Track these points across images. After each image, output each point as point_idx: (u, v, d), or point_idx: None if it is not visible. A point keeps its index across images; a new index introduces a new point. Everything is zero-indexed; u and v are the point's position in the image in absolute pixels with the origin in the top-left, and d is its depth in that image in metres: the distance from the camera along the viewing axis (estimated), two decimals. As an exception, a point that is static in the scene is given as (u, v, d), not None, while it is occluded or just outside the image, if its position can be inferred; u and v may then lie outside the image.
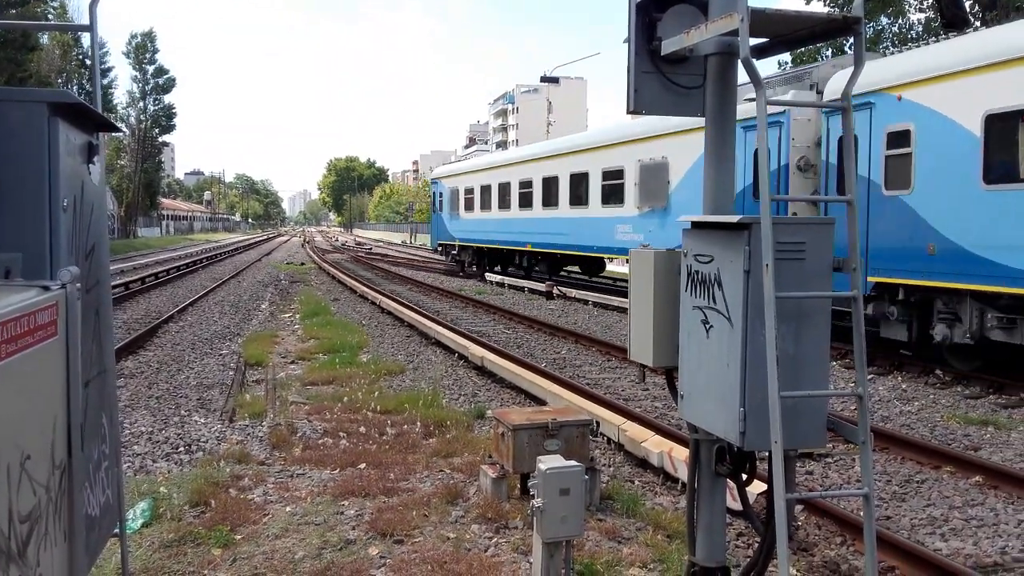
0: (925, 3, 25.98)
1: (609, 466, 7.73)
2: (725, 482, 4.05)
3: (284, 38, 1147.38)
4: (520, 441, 5.89)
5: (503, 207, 29.85)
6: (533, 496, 4.57)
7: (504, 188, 29.78)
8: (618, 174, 21.79)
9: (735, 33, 3.34)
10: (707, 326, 3.68)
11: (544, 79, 50.13)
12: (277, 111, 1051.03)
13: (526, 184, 27.93)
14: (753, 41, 3.95)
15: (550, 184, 26.21)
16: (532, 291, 26.03)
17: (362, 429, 8.69)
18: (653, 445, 7.65)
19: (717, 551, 4.08)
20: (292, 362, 13.37)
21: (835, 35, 3.56)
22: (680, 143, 18.67)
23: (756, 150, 16.44)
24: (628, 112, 4.52)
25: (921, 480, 7.62)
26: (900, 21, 26.62)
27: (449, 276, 34.54)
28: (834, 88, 13.71)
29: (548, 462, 4.56)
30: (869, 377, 12.42)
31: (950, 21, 22.56)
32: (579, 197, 24.11)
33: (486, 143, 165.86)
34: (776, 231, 3.35)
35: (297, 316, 19.60)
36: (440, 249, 38.74)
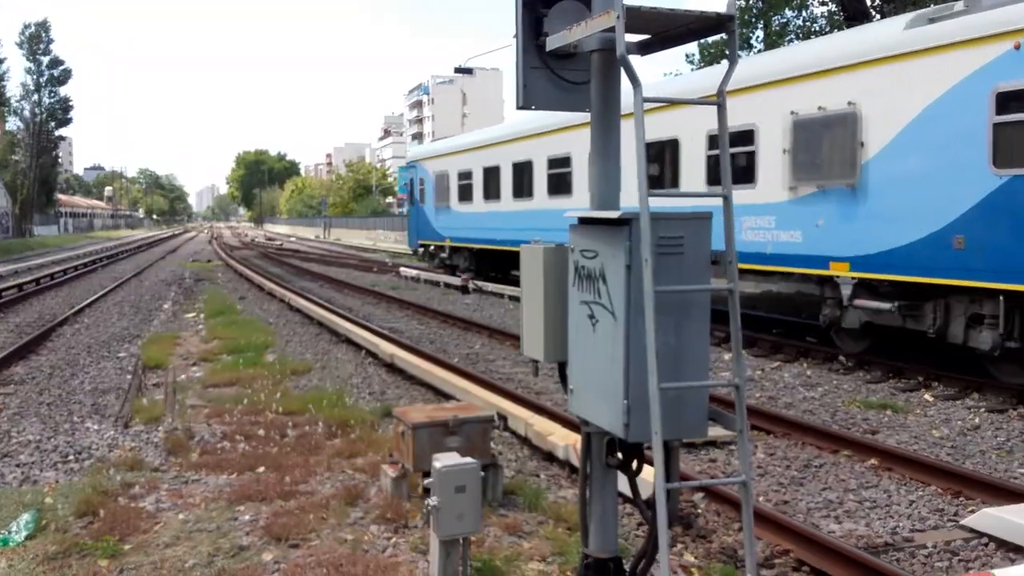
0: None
1: (515, 461, 7.75)
2: (616, 474, 4.09)
3: (189, 28, 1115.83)
4: (420, 439, 5.85)
5: (521, 194, 21.79)
6: (428, 494, 4.54)
7: (522, 169, 21.67)
8: (743, 138, 13.76)
9: (614, 30, 3.36)
10: (593, 321, 3.71)
11: (458, 70, 49.90)
12: (182, 103, 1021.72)
13: (559, 162, 19.76)
14: (636, 38, 4.01)
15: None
16: (448, 285, 25.95)
17: (262, 432, 8.51)
18: (559, 438, 7.70)
19: (610, 542, 4.12)
20: (194, 364, 13.01)
21: (710, 32, 3.61)
22: (892, 77, 11.35)
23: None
24: (518, 108, 4.52)
25: (820, 464, 7.86)
26: (804, 14, 27.39)
27: (363, 272, 34.13)
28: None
29: (444, 460, 4.53)
30: (776, 365, 12.79)
31: (851, 14, 23.39)
32: (659, 176, 16.59)
33: (401, 135, 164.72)
34: (656, 226, 3.39)
35: (201, 316, 19.09)
36: (421, 252, 30.52)
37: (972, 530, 6.13)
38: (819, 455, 8.13)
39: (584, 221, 3.82)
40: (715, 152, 14.65)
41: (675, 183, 15.69)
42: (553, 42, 3.95)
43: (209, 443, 8.22)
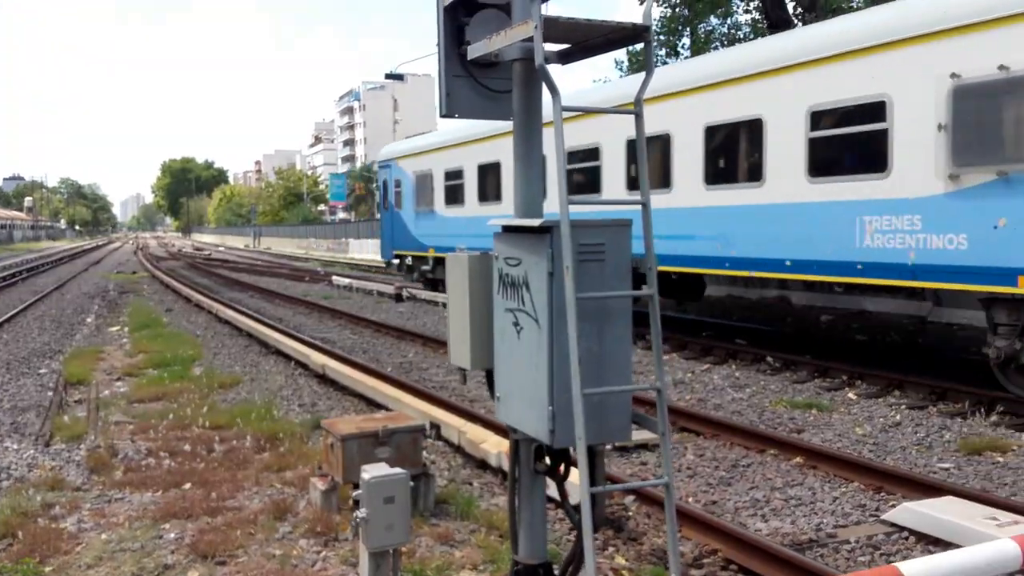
0: (751, 5, 27.43)
1: (448, 470, 7.73)
2: (544, 480, 4.11)
3: (113, 32, 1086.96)
4: (350, 451, 5.79)
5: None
6: (357, 506, 4.50)
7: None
8: (870, 113, 10.71)
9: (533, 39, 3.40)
10: (518, 328, 3.73)
11: (389, 76, 49.58)
12: (105, 110, 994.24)
13: (586, 154, 15.85)
14: (558, 47, 4.05)
15: (661, 149, 14.32)
16: (381, 293, 25.75)
17: (189, 447, 8.32)
18: (492, 446, 7.70)
19: (539, 548, 4.14)
20: (118, 379, 12.66)
21: (628, 43, 3.68)
22: None
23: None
24: (441, 117, 4.52)
25: (747, 464, 8.00)
26: (729, 22, 27.99)
27: (294, 281, 33.67)
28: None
29: (372, 471, 4.50)
30: (706, 367, 12.98)
31: (774, 22, 23.98)
32: (732, 169, 13.30)
33: (332, 141, 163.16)
34: (577, 233, 3.43)
35: (126, 329, 18.59)
36: (397, 264, 26.19)
37: (893, 524, 6.30)
38: (747, 455, 8.28)
39: (508, 229, 3.84)
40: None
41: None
42: (474, 51, 3.97)
43: (133, 460, 8.01)
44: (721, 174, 13.35)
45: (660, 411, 3.57)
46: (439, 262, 22.46)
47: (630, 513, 6.58)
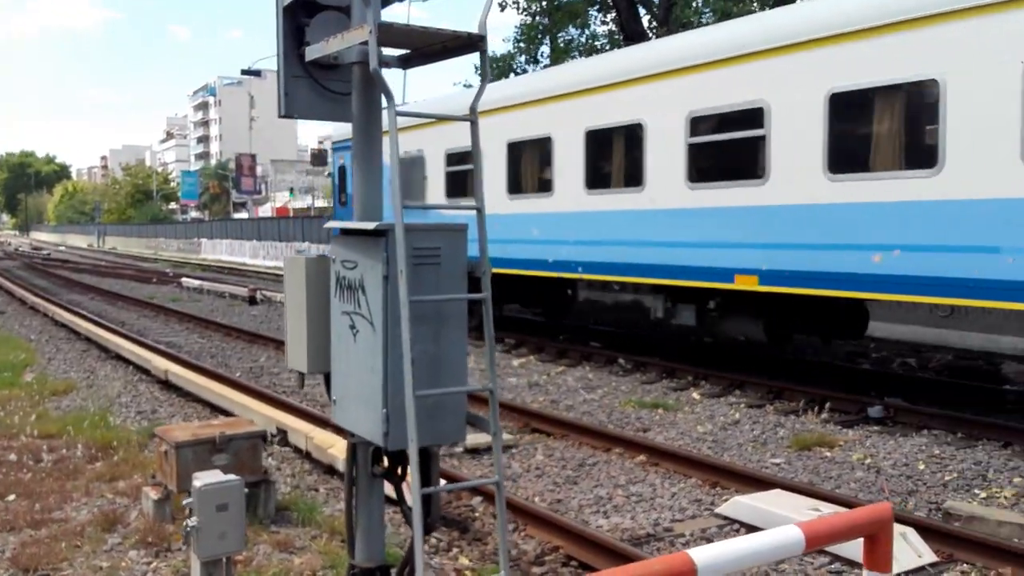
0: (608, 16, 28.20)
1: (293, 476, 7.60)
2: (382, 483, 4.12)
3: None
4: (184, 458, 5.60)
5: (600, 184, 12.95)
6: (189, 515, 4.37)
7: (602, 140, 12.86)
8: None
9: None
10: (354, 331, 3.72)
11: (246, 72, 48.14)
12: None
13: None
14: (398, 52, 4.07)
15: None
16: (234, 296, 24.96)
17: (14, 457, 7.83)
18: (339, 451, 7.60)
19: (376, 552, 4.14)
20: (-62, 387, 11.77)
21: (465, 51, 3.73)
22: None
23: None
24: (279, 117, 4.46)
25: (593, 463, 8.22)
26: (587, 32, 28.66)
27: (140, 283, 32.17)
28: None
29: (203, 478, 4.38)
30: (561, 369, 13.25)
31: (630, 35, 24.77)
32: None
33: (185, 137, 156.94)
34: (412, 237, 3.46)
35: (-51, 333, 17.30)
36: None
37: (726, 517, 6.63)
38: (593, 454, 8.51)
39: (345, 232, 3.83)
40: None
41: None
42: (311, 52, 3.94)
43: (-50, 473, 7.47)
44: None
45: (492, 412, 3.65)
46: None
47: (477, 514, 6.66)
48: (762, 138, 10.38)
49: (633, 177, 12.27)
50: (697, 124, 11.32)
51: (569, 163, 13.38)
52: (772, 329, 11.58)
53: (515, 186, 14.79)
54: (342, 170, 19.67)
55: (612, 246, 12.69)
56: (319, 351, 4.02)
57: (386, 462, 3.96)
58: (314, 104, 4.32)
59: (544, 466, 8.12)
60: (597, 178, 13.09)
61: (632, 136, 12.37)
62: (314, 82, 4.29)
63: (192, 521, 4.28)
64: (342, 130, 19.30)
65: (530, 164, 14.64)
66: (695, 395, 11.23)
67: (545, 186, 14.04)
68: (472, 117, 3.63)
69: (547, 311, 17.86)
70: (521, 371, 13.17)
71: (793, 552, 2.59)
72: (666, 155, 11.68)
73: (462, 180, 16.07)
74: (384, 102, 3.42)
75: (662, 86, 11.78)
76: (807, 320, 11.63)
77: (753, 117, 10.47)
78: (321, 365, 4.04)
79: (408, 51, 3.97)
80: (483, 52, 3.60)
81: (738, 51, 10.69)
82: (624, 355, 13.52)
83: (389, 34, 3.44)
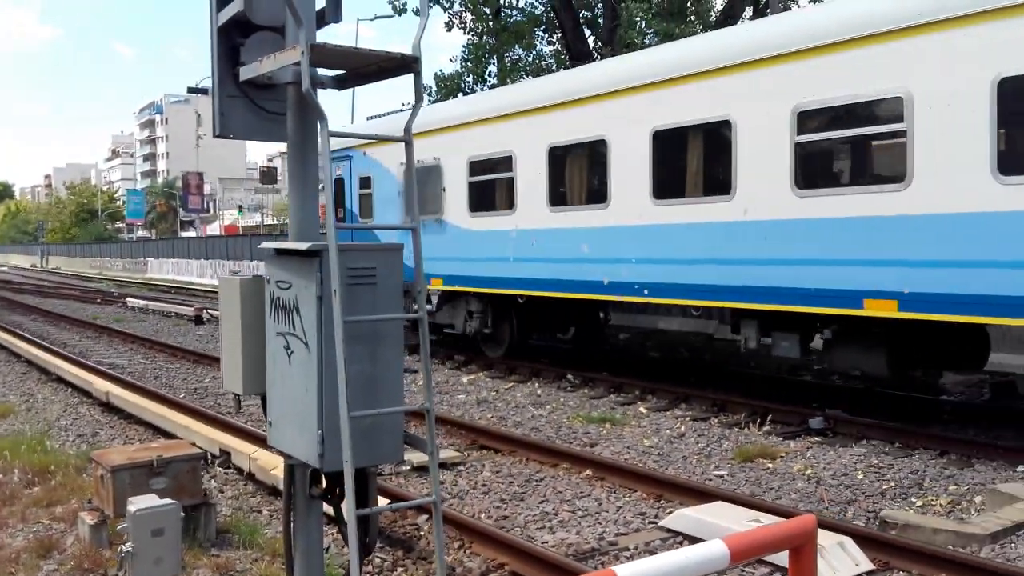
0: (554, 37, 28.43)
1: (236, 498, 7.50)
2: (321, 505, 4.10)
3: None
4: (121, 482, 5.50)
5: (671, 192, 11.29)
6: (125, 540, 4.30)
7: (673, 141, 11.20)
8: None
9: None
10: (289, 352, 3.71)
11: (192, 90, 47.55)
12: None
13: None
14: (334, 72, 4.09)
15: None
16: (180, 316, 24.58)
17: (-54, 485, 7.63)
18: (282, 471, 7.53)
19: (316, 574, 4.11)
20: None
21: (399, 72, 3.76)
22: None
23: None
24: (214, 137, 4.44)
25: (540, 478, 8.24)
26: (533, 52, 28.85)
27: (84, 303, 31.49)
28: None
29: (138, 503, 4.32)
30: (509, 386, 13.26)
31: (575, 55, 25.02)
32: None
33: (132, 156, 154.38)
34: (348, 257, 3.47)
35: None
36: None
37: (670, 530, 6.69)
38: (540, 470, 8.53)
39: (279, 252, 3.82)
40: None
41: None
42: (245, 72, 3.94)
43: None
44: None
45: (429, 431, 3.66)
46: (450, 299, 15.77)
47: (422, 532, 6.64)
48: (905, 133, 8.66)
49: (720, 184, 10.48)
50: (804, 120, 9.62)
51: (630, 169, 11.64)
52: (897, 362, 9.75)
53: (557, 197, 12.96)
54: (339, 182, 17.83)
55: (687, 265, 10.88)
56: (254, 372, 3.99)
57: (324, 483, 3.94)
58: (250, 124, 4.31)
59: (491, 483, 8.12)
60: (666, 186, 11.30)
61: (717, 137, 10.63)
62: (250, 102, 4.29)
63: (127, 546, 4.21)
64: (339, 140, 15.49)
65: (577, 171, 12.85)
66: (642, 409, 11.32)
67: (597, 196, 12.29)
68: (407, 137, 3.65)
69: (577, 338, 15.83)
70: (470, 388, 13.17)
71: (719, 567, 2.64)
72: (768, 157, 9.82)
73: (490, 191, 14.24)
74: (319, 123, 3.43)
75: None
76: (931, 350, 9.93)
77: (894, 108, 8.73)
78: (257, 386, 4.02)
79: (344, 72, 4.00)
80: (417, 73, 3.63)
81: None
82: (573, 371, 13.58)
83: (322, 55, 3.46)
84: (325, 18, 4.12)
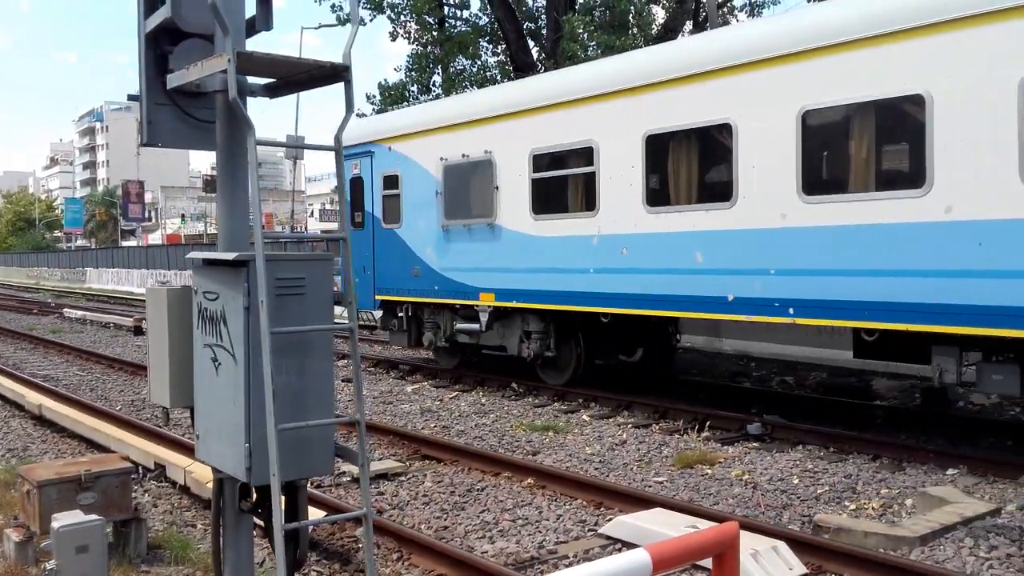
0: (499, 48, 28.52)
1: (170, 512, 7.35)
2: (251, 519, 4.04)
3: None
4: (47, 498, 5.35)
5: (830, 188, 9.13)
6: (50, 557, 4.19)
7: (831, 125, 9.16)
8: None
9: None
10: (216, 364, 3.66)
11: (132, 97, 46.60)
12: None
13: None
14: (264, 80, 4.06)
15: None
16: (118, 326, 24.05)
17: None
18: (217, 484, 7.42)
19: (246, 589, 4.05)
20: None
21: (331, 80, 3.74)
22: None
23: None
24: (141, 145, 4.37)
25: (482, 488, 8.22)
26: (478, 63, 28.91)
27: (20, 314, 30.63)
28: None
29: (63, 519, 4.22)
30: (454, 395, 13.21)
31: (519, 66, 25.15)
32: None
33: (71, 164, 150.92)
34: (276, 268, 3.44)
35: None
36: (382, 315, 15.88)
37: (609, 537, 6.73)
38: (482, 479, 8.51)
39: (207, 262, 3.77)
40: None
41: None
42: (172, 80, 3.89)
43: None
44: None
45: (360, 443, 3.64)
46: (501, 316, 13.37)
47: (360, 545, 6.57)
48: None
49: (911, 177, 8.41)
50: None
51: (765, 158, 9.50)
52: None
53: (658, 196, 10.83)
54: (357, 182, 15.49)
55: (847, 277, 8.82)
56: (182, 384, 3.93)
57: (254, 496, 3.89)
58: (179, 132, 4.25)
59: (432, 492, 8.08)
60: (821, 180, 9.19)
61: (907, 117, 8.50)
62: (179, 110, 4.23)
63: (51, 564, 4.11)
64: (356, 132, 15.45)
65: (685, 163, 10.58)
66: (585, 417, 11.37)
67: (718, 193, 10.09)
68: (336, 147, 3.64)
69: (647, 359, 14.05)
70: (415, 397, 13.10)
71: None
72: (972, 142, 7.85)
73: (560, 190, 12.11)
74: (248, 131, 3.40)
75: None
76: None
77: None
78: (184, 399, 3.95)
79: (274, 80, 3.97)
80: (347, 82, 3.62)
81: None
82: (517, 379, 13.59)
83: (250, 63, 3.43)
84: (256, 26, 4.09)
